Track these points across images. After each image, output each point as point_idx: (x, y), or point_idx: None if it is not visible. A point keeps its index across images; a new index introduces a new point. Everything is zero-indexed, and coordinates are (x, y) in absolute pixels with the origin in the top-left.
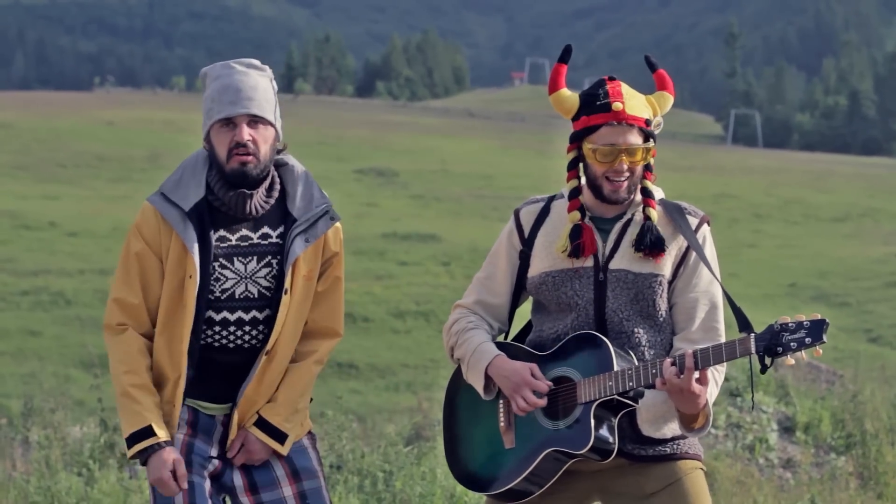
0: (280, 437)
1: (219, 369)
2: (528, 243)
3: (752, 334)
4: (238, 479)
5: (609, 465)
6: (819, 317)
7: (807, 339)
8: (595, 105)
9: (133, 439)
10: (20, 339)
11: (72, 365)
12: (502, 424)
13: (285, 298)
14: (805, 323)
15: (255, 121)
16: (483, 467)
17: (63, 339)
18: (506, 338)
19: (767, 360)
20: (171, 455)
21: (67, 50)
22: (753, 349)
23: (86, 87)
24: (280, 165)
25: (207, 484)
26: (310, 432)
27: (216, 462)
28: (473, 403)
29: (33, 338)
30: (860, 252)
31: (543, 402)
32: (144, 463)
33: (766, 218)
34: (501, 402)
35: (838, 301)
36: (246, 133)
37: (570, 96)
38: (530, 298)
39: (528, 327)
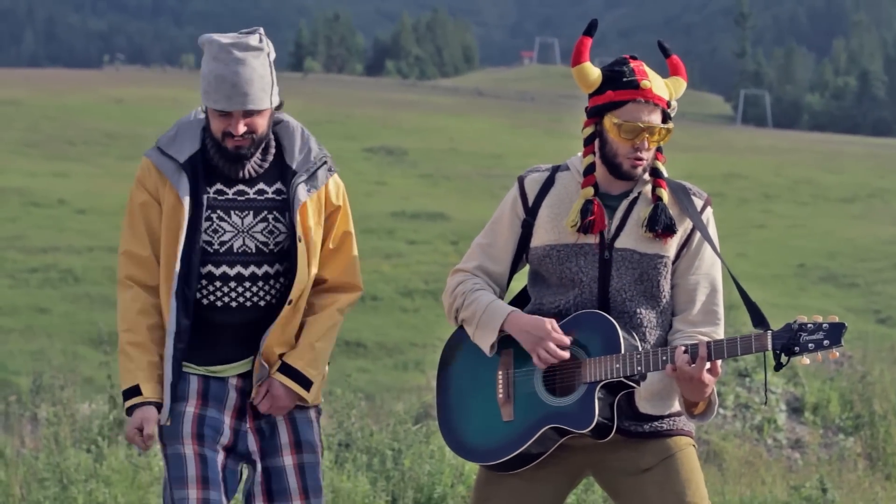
0: (304, 382)
1: (227, 332)
2: (531, 212)
3: (770, 331)
4: (252, 444)
5: (603, 440)
6: (837, 319)
7: (825, 342)
8: (622, 81)
9: (125, 396)
10: (29, 317)
11: (80, 342)
12: (501, 396)
13: (301, 247)
14: (824, 325)
15: (250, 111)
16: (479, 438)
17: (72, 316)
18: None
19: (784, 359)
20: (147, 414)
21: (77, 27)
22: (770, 346)
23: (95, 64)
24: (276, 123)
25: (220, 456)
26: (318, 406)
27: (229, 432)
28: (470, 373)
29: (42, 315)
30: (869, 233)
31: (567, 354)
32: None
33: (776, 198)
34: (500, 373)
35: (847, 282)
36: (241, 127)
37: (594, 70)
38: (525, 268)
39: (520, 297)
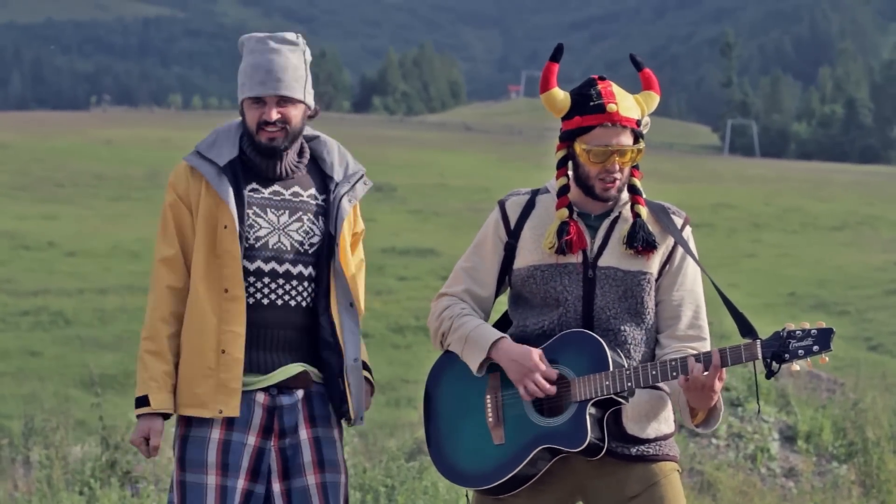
0: (370, 372)
1: (269, 334)
2: (514, 235)
3: (759, 340)
4: (274, 464)
5: (590, 463)
6: (825, 325)
7: (814, 347)
8: (589, 106)
9: (136, 404)
10: (20, 360)
11: (72, 385)
12: (490, 420)
13: (338, 250)
14: (812, 331)
15: (283, 100)
16: (472, 463)
17: (63, 358)
18: None
19: (774, 366)
20: (154, 424)
21: (64, 69)
22: (760, 354)
23: (83, 106)
24: (311, 139)
25: (242, 483)
26: (340, 428)
27: (252, 453)
28: (457, 399)
29: (33, 358)
30: (859, 260)
31: (554, 389)
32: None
33: (765, 227)
34: (489, 397)
35: (838, 309)
36: (274, 113)
37: (561, 95)
38: (506, 292)
39: (502, 321)
